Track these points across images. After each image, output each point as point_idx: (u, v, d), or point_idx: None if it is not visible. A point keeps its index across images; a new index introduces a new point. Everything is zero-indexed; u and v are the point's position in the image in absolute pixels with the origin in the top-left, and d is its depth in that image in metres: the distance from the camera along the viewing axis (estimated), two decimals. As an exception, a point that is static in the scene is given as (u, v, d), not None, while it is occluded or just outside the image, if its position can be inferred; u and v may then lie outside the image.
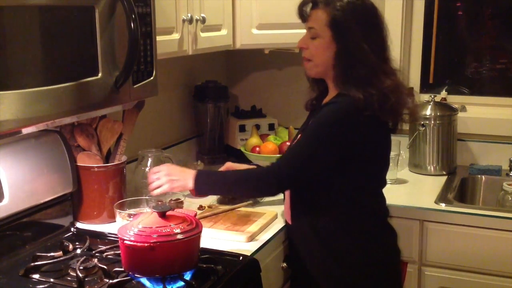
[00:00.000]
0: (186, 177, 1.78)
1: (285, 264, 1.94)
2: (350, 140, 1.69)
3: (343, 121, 1.68)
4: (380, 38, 1.73)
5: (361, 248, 1.77)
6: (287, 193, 1.86)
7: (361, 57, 1.67)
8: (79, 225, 1.93)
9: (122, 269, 1.50)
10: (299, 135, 1.83)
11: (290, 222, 1.86)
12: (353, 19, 1.69)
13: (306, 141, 1.72)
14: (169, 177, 1.79)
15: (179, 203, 2.01)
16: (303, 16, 1.80)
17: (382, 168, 1.82)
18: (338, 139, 1.68)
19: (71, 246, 1.70)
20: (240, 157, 2.56)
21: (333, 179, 1.73)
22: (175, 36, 1.96)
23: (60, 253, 1.67)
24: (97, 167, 1.91)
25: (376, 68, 1.68)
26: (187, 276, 1.50)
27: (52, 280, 1.55)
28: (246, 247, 1.76)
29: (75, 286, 1.49)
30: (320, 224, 1.76)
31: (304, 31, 1.82)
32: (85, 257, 1.62)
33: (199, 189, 1.78)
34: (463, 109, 2.72)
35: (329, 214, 1.75)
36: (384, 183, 1.86)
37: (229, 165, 2.04)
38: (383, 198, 1.87)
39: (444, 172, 2.57)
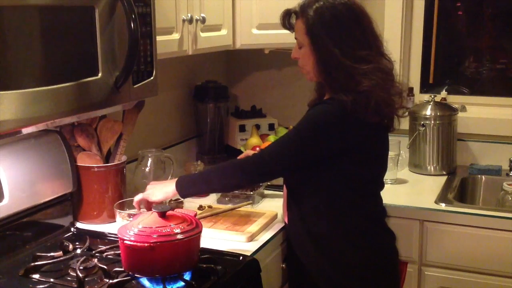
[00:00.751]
0: (168, 183, 1.79)
1: (284, 265, 1.94)
2: (337, 140, 1.69)
3: (331, 121, 1.68)
4: (353, 38, 1.69)
5: (356, 250, 1.76)
6: (285, 194, 1.86)
7: (333, 63, 1.67)
8: (79, 225, 1.93)
9: (122, 269, 1.50)
10: None
11: (287, 223, 1.87)
12: (321, 25, 1.68)
13: (291, 135, 1.75)
14: (152, 187, 1.78)
15: (179, 203, 2.01)
16: (290, 28, 1.81)
17: (379, 169, 1.81)
18: (322, 137, 1.69)
19: (71, 246, 1.70)
20: (240, 157, 2.57)
21: (328, 181, 1.73)
22: (175, 36, 1.96)
23: (60, 253, 1.67)
24: (97, 167, 1.91)
25: (352, 71, 1.66)
26: (187, 276, 1.50)
27: (52, 280, 1.55)
28: (246, 247, 1.76)
29: (75, 286, 1.49)
30: (315, 226, 1.76)
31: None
32: (85, 257, 1.62)
33: (181, 189, 1.75)
34: (463, 109, 2.72)
35: (325, 216, 1.75)
36: (382, 185, 1.85)
37: (248, 152, 2.05)
38: (380, 200, 1.86)
39: (444, 172, 2.57)
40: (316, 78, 1.78)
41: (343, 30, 1.68)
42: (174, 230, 1.45)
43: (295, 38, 1.77)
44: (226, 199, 2.17)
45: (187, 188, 1.76)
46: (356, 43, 1.69)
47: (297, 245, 1.84)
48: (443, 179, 2.50)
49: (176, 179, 1.76)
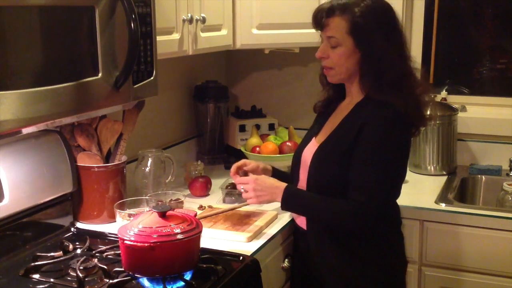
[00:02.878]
0: (273, 192, 1.77)
1: (286, 264, 1.94)
2: (405, 151, 1.74)
3: (399, 138, 1.69)
4: (400, 38, 1.71)
5: (379, 253, 1.78)
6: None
7: (388, 62, 1.66)
8: (79, 225, 1.93)
9: (122, 269, 1.50)
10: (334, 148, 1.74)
11: (305, 228, 1.84)
12: (374, 23, 1.66)
13: (376, 168, 1.67)
14: (256, 192, 1.79)
15: (179, 203, 2.01)
16: (319, 24, 1.72)
17: (405, 175, 1.80)
18: (400, 153, 1.72)
19: (71, 246, 1.70)
20: (240, 157, 2.56)
21: None
22: (175, 36, 1.96)
23: (60, 253, 1.67)
24: (97, 167, 1.91)
25: (404, 70, 1.68)
26: (187, 276, 1.50)
27: (52, 280, 1.55)
28: (246, 247, 1.76)
29: (75, 286, 1.50)
30: (341, 231, 1.76)
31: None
32: (85, 257, 1.62)
33: (286, 206, 1.79)
34: (463, 109, 2.72)
35: None
36: (400, 192, 1.82)
37: (250, 165, 1.96)
38: (398, 206, 1.88)
39: (444, 172, 2.57)
40: (344, 80, 1.75)
41: (392, 29, 1.69)
42: (174, 230, 1.45)
43: (328, 37, 1.70)
44: (233, 198, 2.16)
45: (292, 208, 1.81)
46: (402, 43, 1.71)
47: (316, 246, 1.81)
48: (443, 179, 2.50)
49: (284, 188, 1.76)
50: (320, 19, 1.70)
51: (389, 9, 1.72)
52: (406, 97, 1.67)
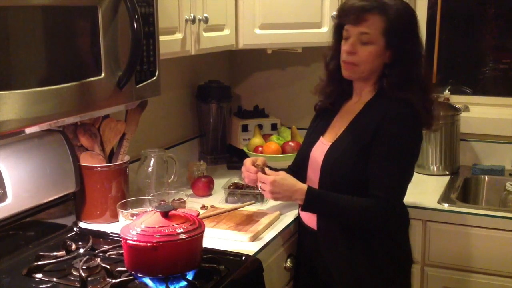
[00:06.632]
0: (292, 194, 1.72)
1: (288, 264, 1.94)
2: (419, 148, 1.79)
3: (416, 135, 1.74)
4: (420, 41, 1.76)
5: (389, 253, 1.79)
6: None
7: (416, 64, 1.71)
8: (82, 224, 1.94)
9: (125, 268, 1.51)
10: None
11: (314, 228, 1.84)
12: (407, 26, 1.69)
13: (398, 165, 1.70)
14: (273, 195, 1.74)
15: (181, 203, 2.01)
16: (352, 18, 1.69)
17: (412, 175, 1.82)
18: (417, 150, 1.77)
19: (74, 246, 1.70)
20: (243, 157, 2.56)
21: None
22: (178, 36, 1.96)
23: (63, 252, 1.67)
24: (100, 166, 1.91)
25: (425, 73, 1.75)
26: (190, 276, 1.50)
27: (55, 279, 1.55)
28: (249, 247, 1.76)
29: (78, 285, 1.50)
30: (354, 230, 1.77)
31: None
32: (88, 256, 1.62)
33: (309, 208, 1.76)
34: (466, 109, 2.72)
35: None
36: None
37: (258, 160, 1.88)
38: (406, 206, 1.89)
39: (447, 172, 2.57)
40: (364, 77, 1.75)
41: (418, 32, 1.74)
42: (177, 230, 1.45)
43: (361, 33, 1.68)
44: (235, 197, 2.16)
45: (315, 209, 1.78)
46: (422, 45, 1.76)
47: (327, 245, 1.82)
48: (446, 179, 2.50)
49: (306, 190, 1.71)
50: (356, 13, 1.68)
51: (415, 14, 1.75)
52: (422, 97, 1.71)
